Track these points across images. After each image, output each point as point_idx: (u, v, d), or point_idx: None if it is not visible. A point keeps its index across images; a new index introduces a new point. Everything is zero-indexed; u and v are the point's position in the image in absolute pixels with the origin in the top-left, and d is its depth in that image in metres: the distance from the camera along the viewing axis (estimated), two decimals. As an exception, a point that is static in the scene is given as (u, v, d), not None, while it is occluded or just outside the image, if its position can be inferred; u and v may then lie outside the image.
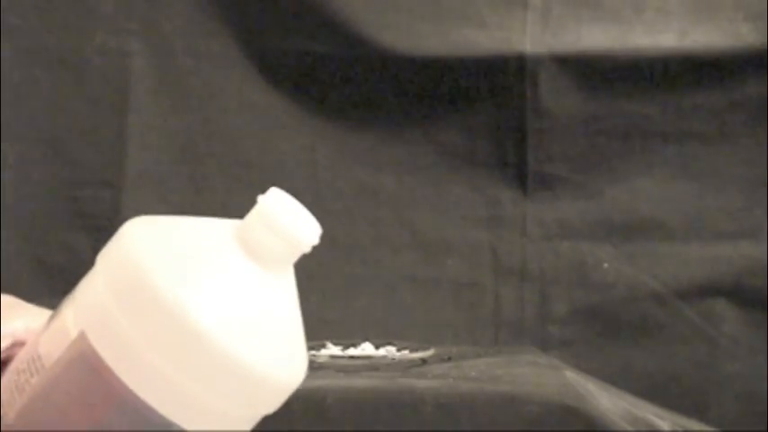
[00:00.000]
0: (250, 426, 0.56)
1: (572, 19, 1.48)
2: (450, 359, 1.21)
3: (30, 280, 1.42)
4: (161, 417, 0.52)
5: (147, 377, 0.52)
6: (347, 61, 1.46)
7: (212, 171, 1.46)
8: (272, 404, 0.55)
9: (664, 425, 1.13)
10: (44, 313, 0.60)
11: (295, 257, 0.55)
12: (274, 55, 1.49)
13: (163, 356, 0.51)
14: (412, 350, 1.23)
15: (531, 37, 1.47)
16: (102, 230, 1.41)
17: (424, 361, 1.19)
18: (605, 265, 1.47)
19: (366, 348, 1.25)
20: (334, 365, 1.17)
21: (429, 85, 1.48)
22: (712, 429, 1.22)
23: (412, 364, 1.18)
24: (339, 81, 1.44)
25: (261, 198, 0.55)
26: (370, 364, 1.18)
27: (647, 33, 1.47)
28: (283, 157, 1.45)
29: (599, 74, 1.47)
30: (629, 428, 1.06)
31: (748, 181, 1.47)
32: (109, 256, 0.54)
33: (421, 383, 1.07)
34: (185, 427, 0.52)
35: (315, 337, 1.27)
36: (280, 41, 1.49)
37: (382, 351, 1.24)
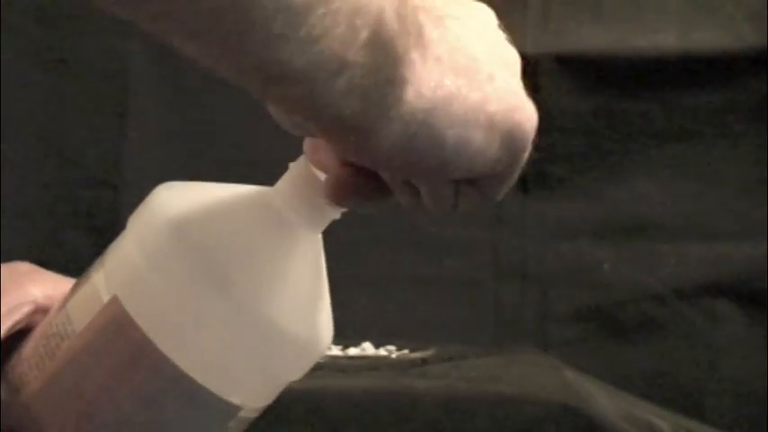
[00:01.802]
0: (278, 390, 0.56)
1: (572, 19, 1.48)
2: (450, 359, 1.21)
3: (30, 280, 1.41)
4: (191, 380, 0.52)
5: (179, 341, 0.52)
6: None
7: (212, 171, 1.46)
8: (301, 370, 0.56)
9: (664, 425, 1.13)
10: (61, 280, 0.60)
11: (325, 223, 0.56)
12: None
13: (196, 320, 0.51)
14: (412, 350, 1.23)
15: (531, 37, 1.47)
16: (102, 230, 1.41)
17: (424, 361, 1.19)
18: (605, 265, 1.47)
19: (366, 348, 1.25)
20: (334, 365, 1.17)
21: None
22: (712, 429, 1.22)
23: (412, 364, 1.18)
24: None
25: (292, 164, 0.56)
26: (370, 364, 1.18)
27: (647, 33, 1.47)
28: (283, 157, 1.44)
29: (599, 74, 1.47)
30: (629, 428, 1.06)
31: (748, 181, 1.47)
32: (141, 220, 0.54)
33: (421, 383, 1.07)
34: (215, 391, 0.52)
35: (315, 337, 1.27)
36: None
37: (382, 351, 1.24)
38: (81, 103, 1.48)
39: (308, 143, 0.54)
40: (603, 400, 1.11)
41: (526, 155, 0.52)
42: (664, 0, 1.48)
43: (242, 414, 0.54)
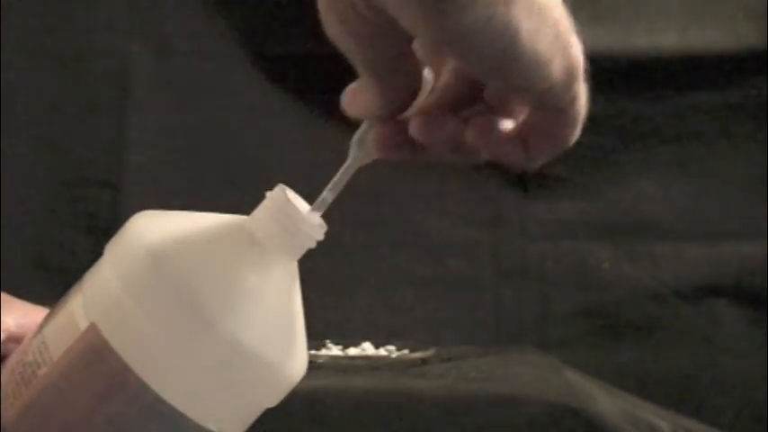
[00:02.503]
0: (254, 417, 0.56)
1: (572, 19, 1.47)
2: (450, 359, 1.21)
3: (30, 280, 1.42)
4: (170, 407, 0.52)
5: (158, 368, 0.52)
6: (347, 61, 1.45)
7: (212, 171, 1.46)
8: (276, 396, 0.56)
9: (664, 425, 1.13)
10: (33, 309, 0.61)
11: (301, 252, 0.57)
12: (275, 55, 1.49)
13: (174, 347, 0.52)
14: (412, 350, 1.23)
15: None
16: (102, 230, 1.41)
17: (424, 361, 1.19)
18: (605, 265, 1.47)
19: (366, 348, 1.25)
20: (334, 365, 1.17)
21: (429, 85, 1.48)
22: (712, 429, 1.22)
23: (412, 364, 1.18)
24: (339, 81, 1.44)
25: (269, 193, 0.57)
26: (370, 364, 1.18)
27: (647, 33, 1.47)
28: (283, 157, 1.44)
29: (599, 74, 1.47)
30: (629, 428, 1.06)
31: (748, 181, 1.47)
32: (118, 249, 0.55)
33: (421, 383, 1.07)
34: (194, 417, 0.52)
35: (315, 337, 1.27)
36: (280, 42, 1.49)
37: (382, 351, 1.24)
38: (81, 103, 1.48)
39: (347, 92, 0.54)
40: (603, 400, 1.11)
41: (579, 89, 0.52)
42: (664, 0, 1.48)
43: None
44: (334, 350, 1.23)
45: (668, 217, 1.48)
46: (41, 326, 0.56)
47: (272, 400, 0.56)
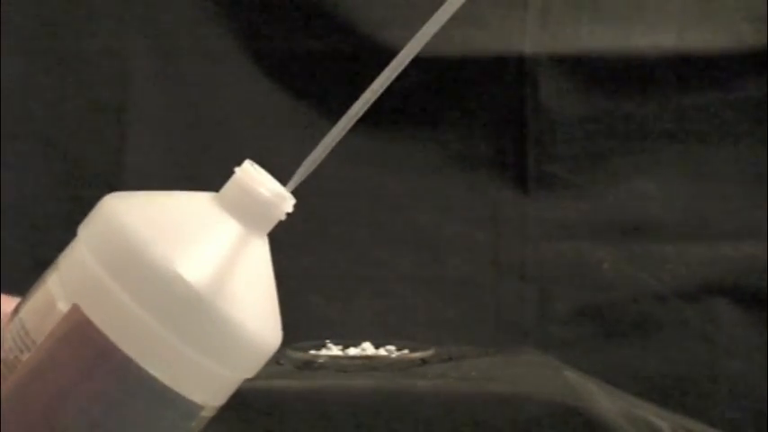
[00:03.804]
0: (233, 389, 0.57)
1: (572, 19, 1.48)
2: (450, 359, 1.21)
3: (30, 280, 1.41)
4: (157, 381, 0.53)
5: (143, 343, 0.53)
6: (347, 60, 1.46)
7: (212, 171, 1.46)
8: (256, 367, 0.57)
9: (664, 425, 1.13)
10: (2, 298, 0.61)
11: (271, 225, 0.59)
12: (275, 54, 1.49)
13: (157, 321, 0.53)
14: (412, 350, 1.23)
15: (530, 37, 1.47)
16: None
17: (424, 361, 1.19)
18: (605, 265, 1.47)
19: (366, 348, 1.25)
20: (334, 365, 1.17)
21: (429, 85, 1.48)
22: (712, 429, 1.22)
23: (412, 364, 1.18)
24: (339, 80, 1.44)
25: (238, 169, 0.59)
26: (370, 364, 1.18)
27: (647, 33, 1.47)
28: (283, 156, 1.44)
29: (599, 74, 1.47)
30: (629, 428, 1.06)
31: (748, 181, 1.47)
32: (94, 230, 0.57)
33: (421, 383, 1.07)
34: (179, 390, 0.54)
35: (315, 337, 1.27)
36: (280, 41, 1.49)
37: (382, 351, 1.24)
38: (81, 103, 1.48)
39: None
40: (603, 400, 1.11)
41: None
42: (664, 0, 1.48)
43: (203, 414, 0.56)
44: (334, 350, 1.23)
45: (668, 217, 1.48)
46: (15, 312, 0.57)
47: (252, 371, 0.57)
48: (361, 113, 0.62)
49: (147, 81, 1.47)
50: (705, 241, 1.47)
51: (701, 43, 1.46)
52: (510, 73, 1.47)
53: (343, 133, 0.62)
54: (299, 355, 1.19)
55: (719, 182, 1.47)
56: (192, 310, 0.53)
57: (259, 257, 0.58)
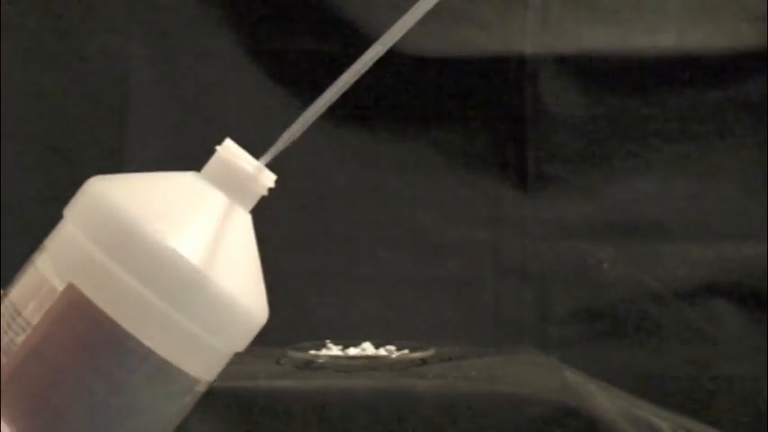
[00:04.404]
0: (224, 364, 0.59)
1: (572, 19, 1.48)
2: (450, 359, 1.21)
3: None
4: (156, 355, 0.55)
5: (141, 317, 0.54)
6: (347, 61, 1.45)
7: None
8: (246, 340, 0.59)
9: (664, 425, 1.13)
10: None
11: (254, 201, 0.60)
12: (275, 54, 1.49)
13: (154, 295, 0.54)
14: (412, 350, 1.23)
15: (531, 37, 1.47)
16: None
17: (424, 361, 1.19)
18: (605, 265, 1.47)
19: (366, 348, 1.25)
20: (334, 365, 1.17)
21: (429, 85, 1.48)
22: (712, 429, 1.22)
23: (412, 364, 1.18)
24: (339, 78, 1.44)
25: (219, 147, 0.62)
26: (370, 364, 1.18)
27: (647, 33, 1.47)
28: (283, 156, 1.44)
29: (599, 74, 1.47)
30: (629, 428, 1.06)
31: (748, 181, 1.47)
32: (85, 210, 0.58)
33: (421, 383, 1.07)
34: (177, 364, 0.54)
35: (315, 337, 1.27)
36: (280, 41, 1.49)
37: (382, 351, 1.24)
38: (81, 103, 1.48)
39: None
40: (603, 400, 1.11)
41: None
42: (664, 0, 1.48)
43: (197, 388, 0.57)
44: (334, 350, 1.23)
45: (668, 217, 1.48)
46: (2, 297, 0.58)
47: (243, 344, 0.58)
48: (341, 92, 0.64)
49: (147, 81, 1.48)
50: (705, 241, 1.47)
51: (701, 43, 1.46)
52: (510, 73, 1.47)
53: (325, 107, 0.63)
54: (299, 355, 1.19)
55: (719, 182, 1.48)
56: (187, 283, 0.54)
57: (246, 233, 0.59)
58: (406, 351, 1.23)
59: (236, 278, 0.56)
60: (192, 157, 1.64)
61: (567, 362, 1.29)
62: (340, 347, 1.24)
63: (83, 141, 1.48)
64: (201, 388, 0.57)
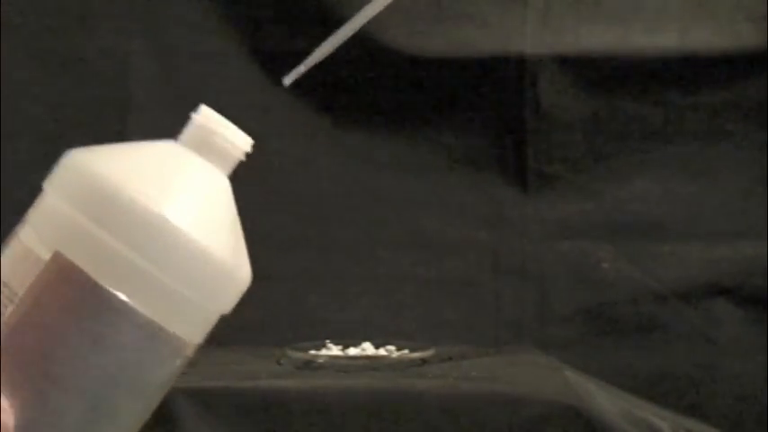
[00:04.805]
0: (212, 325, 0.59)
1: (572, 19, 1.48)
2: (450, 359, 1.21)
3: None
4: (145, 317, 0.55)
5: (129, 280, 0.55)
6: (347, 61, 1.46)
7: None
8: (232, 301, 0.59)
9: (664, 425, 1.13)
10: None
11: (232, 164, 0.61)
12: (275, 55, 1.49)
13: (141, 258, 0.55)
14: (412, 350, 1.23)
15: (531, 37, 1.47)
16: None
17: (424, 361, 1.19)
18: (605, 265, 1.47)
19: (366, 348, 1.25)
20: (334, 365, 1.17)
21: (429, 85, 1.48)
22: (712, 429, 1.22)
23: (412, 364, 1.18)
24: (339, 81, 1.45)
25: (194, 114, 0.62)
26: (370, 364, 1.18)
27: (647, 33, 1.47)
28: (283, 156, 1.44)
29: (599, 74, 1.47)
30: (629, 428, 1.06)
31: (748, 181, 1.47)
32: (67, 180, 0.60)
33: (421, 383, 1.08)
34: (165, 325, 0.55)
35: (315, 337, 1.27)
36: (280, 41, 1.49)
37: (382, 351, 1.24)
38: (81, 103, 1.48)
39: None
40: (603, 400, 1.11)
41: None
42: (664, 0, 1.48)
43: (186, 351, 0.57)
44: (334, 350, 1.23)
45: (668, 217, 1.48)
46: None
47: (229, 304, 0.59)
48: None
49: (147, 81, 1.48)
50: (705, 241, 1.47)
51: (702, 43, 1.46)
52: (510, 73, 1.47)
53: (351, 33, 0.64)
54: (299, 355, 1.19)
55: (719, 182, 1.48)
56: (171, 244, 0.55)
57: (226, 196, 0.60)
58: (406, 351, 1.23)
59: (219, 239, 0.57)
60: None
61: (567, 362, 1.29)
62: (340, 347, 1.24)
63: (83, 141, 1.47)
64: (189, 352, 0.58)
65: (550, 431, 1.03)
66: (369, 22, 1.51)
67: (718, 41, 1.46)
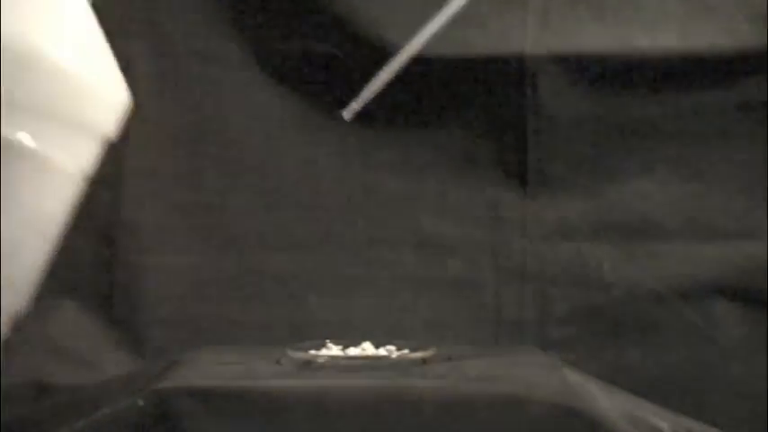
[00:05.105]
0: (99, 149, 0.59)
1: (572, 19, 1.48)
2: (450, 359, 1.21)
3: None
4: (26, 146, 0.54)
5: (7, 115, 0.54)
6: (347, 61, 1.46)
7: (212, 171, 1.46)
8: (110, 118, 0.59)
9: (664, 425, 1.13)
10: None
11: None
12: (275, 55, 1.49)
13: (12, 82, 0.54)
14: (412, 350, 1.23)
15: (530, 37, 1.47)
16: (103, 230, 1.41)
17: (424, 361, 1.19)
18: (605, 265, 1.47)
19: (366, 348, 1.25)
20: (334, 365, 1.17)
21: (429, 85, 1.48)
22: (712, 429, 1.22)
23: (412, 364, 1.18)
24: (339, 81, 1.44)
25: None
26: (370, 364, 1.18)
27: (647, 33, 1.47)
28: (283, 157, 1.44)
29: (599, 74, 1.47)
30: (629, 428, 1.06)
31: (748, 181, 1.47)
32: None
33: (421, 383, 1.07)
34: (55, 156, 0.55)
35: (315, 336, 1.27)
36: (280, 41, 1.49)
37: (382, 351, 1.24)
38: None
39: None
40: (603, 400, 1.11)
41: None
42: (664, 0, 1.48)
43: (75, 179, 0.57)
44: (334, 350, 1.23)
45: (668, 217, 1.48)
46: None
47: (108, 125, 0.58)
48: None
49: (148, 82, 1.47)
50: (705, 241, 1.47)
51: (702, 43, 1.46)
52: (510, 73, 1.47)
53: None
54: (299, 355, 1.19)
55: (719, 182, 1.48)
56: (42, 71, 0.55)
57: (85, 11, 0.60)
58: (406, 351, 1.23)
59: (87, 60, 0.57)
60: (193, 157, 1.64)
61: (567, 362, 1.29)
62: (340, 347, 1.24)
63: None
64: (79, 181, 0.57)
65: (550, 431, 1.03)
66: (369, 23, 1.52)
67: (718, 41, 1.46)
